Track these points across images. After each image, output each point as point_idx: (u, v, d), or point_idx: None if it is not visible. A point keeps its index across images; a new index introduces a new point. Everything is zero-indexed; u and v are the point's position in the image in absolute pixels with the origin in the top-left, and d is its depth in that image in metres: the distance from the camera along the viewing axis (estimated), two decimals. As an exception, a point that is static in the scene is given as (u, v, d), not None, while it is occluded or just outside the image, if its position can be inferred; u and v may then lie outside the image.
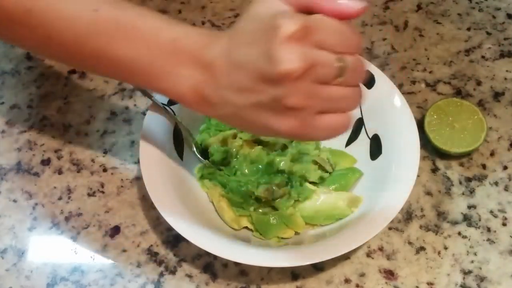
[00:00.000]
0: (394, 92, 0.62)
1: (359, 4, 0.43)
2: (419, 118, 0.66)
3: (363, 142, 0.62)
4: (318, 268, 0.57)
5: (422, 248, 0.59)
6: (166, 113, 0.61)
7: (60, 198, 0.62)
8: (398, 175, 0.57)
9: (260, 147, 0.61)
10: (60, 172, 0.64)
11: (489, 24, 0.76)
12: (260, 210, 0.58)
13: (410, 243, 0.59)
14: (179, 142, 0.61)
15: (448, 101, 0.65)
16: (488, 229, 0.60)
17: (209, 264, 0.58)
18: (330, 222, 0.58)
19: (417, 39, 0.74)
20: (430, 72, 0.71)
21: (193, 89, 0.47)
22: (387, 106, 0.61)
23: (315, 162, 0.61)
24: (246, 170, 0.60)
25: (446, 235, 0.59)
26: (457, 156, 0.64)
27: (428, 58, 0.72)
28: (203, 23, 0.76)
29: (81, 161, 0.64)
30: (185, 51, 0.46)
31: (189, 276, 0.57)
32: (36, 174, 0.63)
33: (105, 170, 0.64)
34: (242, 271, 0.57)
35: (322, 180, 0.61)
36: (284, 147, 0.62)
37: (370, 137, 0.62)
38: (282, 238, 0.58)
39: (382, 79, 0.63)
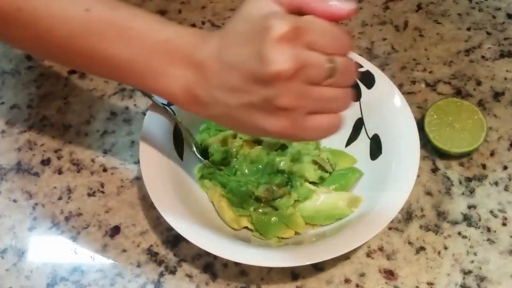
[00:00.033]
0: (394, 92, 0.62)
1: (350, 6, 0.43)
2: (419, 118, 0.66)
3: (363, 142, 0.62)
4: (318, 268, 0.57)
5: (422, 248, 0.59)
6: (166, 113, 0.61)
7: (60, 198, 0.62)
8: (398, 175, 0.57)
9: (260, 147, 0.61)
10: (60, 172, 0.64)
11: (489, 24, 0.76)
12: (260, 210, 0.58)
13: (410, 243, 0.59)
14: (179, 142, 0.61)
15: (448, 101, 0.65)
16: (488, 229, 0.60)
17: (209, 264, 0.58)
18: (330, 222, 0.58)
19: (417, 39, 0.74)
20: (430, 72, 0.71)
21: (185, 89, 0.47)
22: (387, 106, 0.61)
23: (315, 162, 0.61)
24: (246, 170, 0.60)
25: (446, 235, 0.59)
26: (457, 156, 0.64)
27: (428, 58, 0.72)
28: (203, 23, 0.76)
29: (81, 161, 0.64)
30: (177, 51, 0.46)
31: (189, 276, 0.57)
32: (36, 174, 0.63)
33: (105, 170, 0.64)
34: (242, 271, 0.57)
35: (322, 180, 0.61)
36: (284, 147, 0.62)
37: (370, 137, 0.62)
38: (282, 238, 0.58)
39: (382, 79, 0.63)
